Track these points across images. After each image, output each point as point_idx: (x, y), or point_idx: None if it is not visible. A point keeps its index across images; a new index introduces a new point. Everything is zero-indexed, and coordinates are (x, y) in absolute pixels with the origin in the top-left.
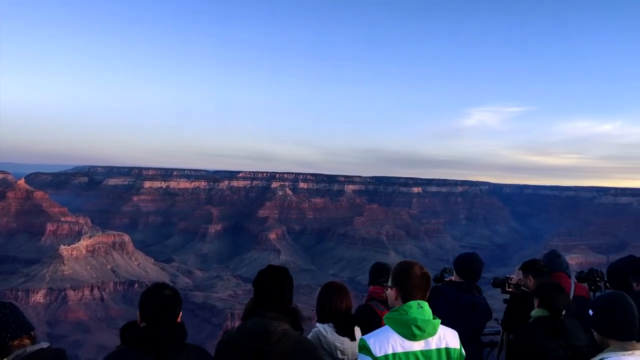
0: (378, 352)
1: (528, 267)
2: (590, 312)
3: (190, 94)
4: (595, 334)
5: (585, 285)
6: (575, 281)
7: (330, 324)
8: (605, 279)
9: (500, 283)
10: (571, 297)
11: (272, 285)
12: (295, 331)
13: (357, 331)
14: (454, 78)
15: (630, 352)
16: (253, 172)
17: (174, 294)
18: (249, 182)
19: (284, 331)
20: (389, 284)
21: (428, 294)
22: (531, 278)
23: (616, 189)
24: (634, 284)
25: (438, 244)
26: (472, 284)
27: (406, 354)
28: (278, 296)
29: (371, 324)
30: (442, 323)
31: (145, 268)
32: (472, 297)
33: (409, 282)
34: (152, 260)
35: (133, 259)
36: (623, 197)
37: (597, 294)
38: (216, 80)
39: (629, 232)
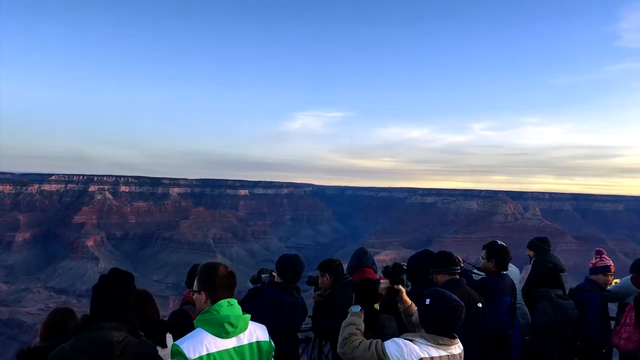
0: (192, 355)
1: (324, 267)
2: (427, 301)
3: None
4: (415, 316)
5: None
6: (382, 276)
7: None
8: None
9: (314, 281)
10: None
11: (115, 290)
12: (135, 338)
13: (169, 338)
14: (280, 82)
15: (439, 345)
16: (67, 175)
17: None
18: (63, 185)
19: (126, 340)
20: (195, 288)
21: (234, 291)
22: (327, 276)
23: (423, 189)
24: (439, 276)
25: (264, 246)
26: (292, 285)
27: (220, 353)
28: (121, 303)
29: (185, 329)
30: (263, 323)
31: None
32: (291, 297)
33: (216, 282)
34: None
35: None
36: (429, 197)
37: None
38: (23, 74)
39: (434, 228)
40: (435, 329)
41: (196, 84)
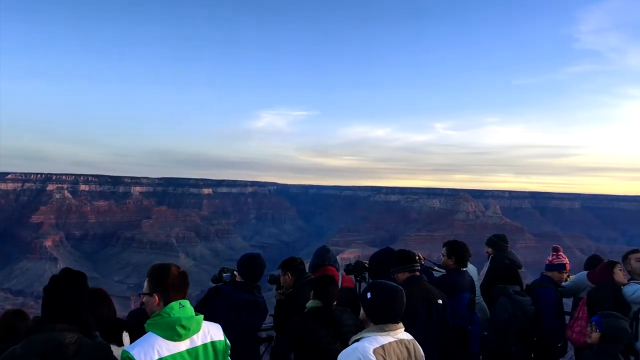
0: None
1: (286, 265)
2: (368, 294)
3: None
4: (362, 312)
5: (352, 277)
6: (343, 273)
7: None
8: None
9: (275, 279)
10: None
11: (67, 291)
12: (89, 339)
13: (126, 337)
14: (244, 80)
15: (386, 333)
16: (25, 174)
17: None
18: (20, 184)
19: (79, 341)
20: (146, 290)
21: (187, 292)
22: (289, 275)
23: (387, 188)
24: (399, 274)
25: (228, 245)
26: (252, 284)
27: (173, 356)
28: (73, 303)
29: (143, 328)
30: (222, 322)
31: None
32: (252, 296)
33: (169, 282)
34: None
35: None
36: (392, 195)
37: (363, 284)
38: None
39: (397, 226)
40: (382, 318)
41: (159, 82)
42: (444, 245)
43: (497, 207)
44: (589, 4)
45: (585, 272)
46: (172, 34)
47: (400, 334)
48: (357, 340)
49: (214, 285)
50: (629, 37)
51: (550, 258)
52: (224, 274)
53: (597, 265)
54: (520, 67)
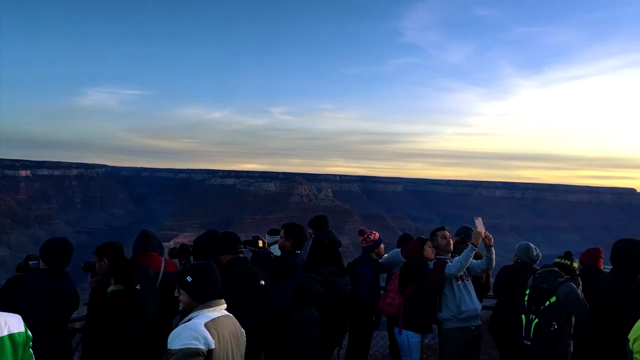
0: None
1: (101, 251)
2: (189, 278)
3: None
4: (186, 297)
5: (176, 261)
6: (167, 257)
7: None
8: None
9: (90, 266)
10: (161, 273)
11: None
12: None
13: None
14: (67, 54)
15: (212, 308)
16: None
17: None
18: None
19: None
20: None
21: None
22: (105, 261)
23: (223, 171)
24: (223, 257)
25: (50, 231)
26: (58, 270)
27: None
28: None
29: None
30: (24, 313)
31: None
32: (58, 283)
33: None
34: None
35: None
36: (229, 179)
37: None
38: None
39: (233, 210)
40: (205, 296)
41: None
42: (282, 227)
43: (329, 190)
44: (414, 1)
45: (399, 249)
46: None
47: (224, 310)
48: (188, 321)
49: (17, 274)
50: (448, 35)
51: (362, 244)
52: (30, 262)
53: (408, 243)
54: (352, 57)
